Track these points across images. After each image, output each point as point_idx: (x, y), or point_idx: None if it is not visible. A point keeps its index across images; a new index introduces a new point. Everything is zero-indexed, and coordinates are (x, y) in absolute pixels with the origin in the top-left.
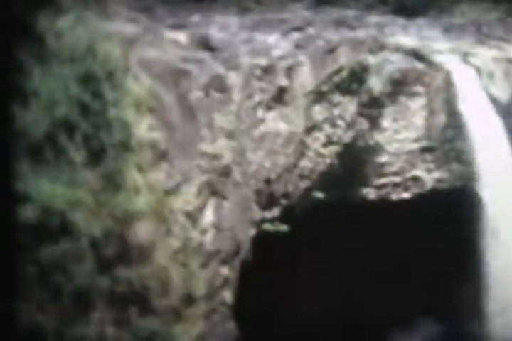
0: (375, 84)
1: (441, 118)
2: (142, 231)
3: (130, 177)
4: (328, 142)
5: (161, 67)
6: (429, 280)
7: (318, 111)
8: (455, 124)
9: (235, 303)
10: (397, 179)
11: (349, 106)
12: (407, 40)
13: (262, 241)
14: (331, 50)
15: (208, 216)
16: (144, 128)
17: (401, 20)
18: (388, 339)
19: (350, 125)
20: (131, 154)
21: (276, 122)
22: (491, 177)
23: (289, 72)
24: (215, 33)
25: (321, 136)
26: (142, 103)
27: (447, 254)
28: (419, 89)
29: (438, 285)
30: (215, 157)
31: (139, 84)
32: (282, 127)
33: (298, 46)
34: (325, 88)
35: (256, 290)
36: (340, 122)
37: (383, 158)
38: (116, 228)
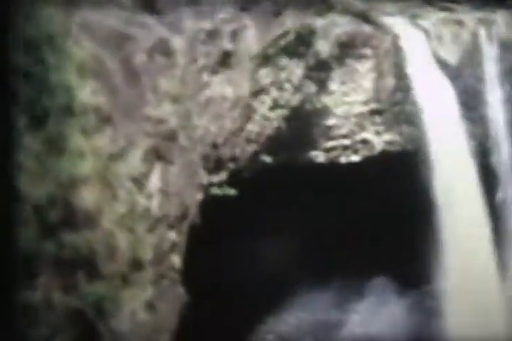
0: (323, 47)
1: (389, 81)
2: (87, 196)
3: (74, 142)
4: (275, 105)
5: (104, 30)
6: (380, 241)
7: (265, 75)
8: (404, 87)
9: (184, 268)
10: (346, 142)
11: (296, 69)
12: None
13: (210, 205)
14: (277, 13)
15: (155, 181)
16: (87, 93)
17: None
18: (341, 301)
19: (297, 88)
20: (74, 118)
21: (221, 86)
22: (439, 140)
23: (234, 35)
24: None
25: (267, 99)
26: (85, 67)
27: (398, 216)
28: (367, 51)
29: (390, 246)
30: (160, 121)
31: (81, 48)
32: (228, 91)
33: (243, 8)
34: (271, 51)
35: (205, 254)
36: (287, 85)
37: (332, 121)
38: (61, 193)
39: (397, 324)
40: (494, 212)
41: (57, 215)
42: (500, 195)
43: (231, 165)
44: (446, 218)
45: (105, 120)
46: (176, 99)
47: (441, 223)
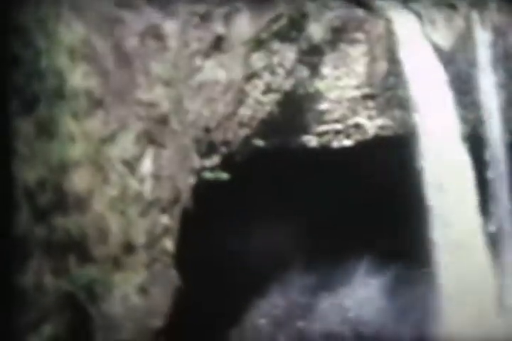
0: (315, 31)
1: (382, 66)
2: (79, 180)
3: (65, 125)
4: (268, 90)
5: (95, 14)
6: (373, 225)
7: (257, 59)
8: (396, 71)
9: (177, 252)
10: (338, 126)
11: (289, 53)
12: None
13: (203, 189)
14: None
15: (147, 164)
16: (78, 76)
17: None
18: (333, 283)
19: (290, 72)
20: (65, 102)
21: (214, 70)
22: (432, 125)
23: (227, 19)
24: None
25: (260, 83)
26: (75, 51)
27: (390, 200)
28: (360, 36)
29: (382, 230)
30: (152, 105)
31: (71, 32)
32: (220, 75)
33: None
34: (264, 35)
35: (198, 238)
36: (279, 70)
37: (324, 106)
38: (52, 177)
39: (388, 308)
40: (485, 194)
41: (48, 199)
42: (491, 177)
43: (223, 149)
44: (436, 201)
45: (96, 104)
46: (167, 83)
47: (431, 207)
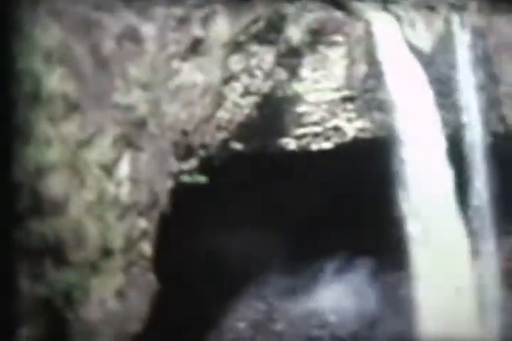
0: (294, 33)
1: (361, 68)
2: (55, 184)
3: (41, 129)
4: (246, 92)
5: (72, 16)
6: (352, 226)
7: (236, 62)
8: (376, 74)
9: (155, 256)
10: (317, 129)
11: (267, 56)
12: None
13: (181, 192)
14: None
15: (124, 168)
16: (54, 80)
17: None
18: (311, 286)
19: (268, 75)
20: (41, 106)
21: (192, 73)
22: (412, 127)
23: (205, 21)
24: None
25: (238, 86)
26: (52, 54)
27: (368, 202)
28: (339, 38)
29: (362, 232)
30: (129, 108)
31: (48, 35)
32: (198, 78)
33: None
34: (242, 38)
35: (176, 242)
36: (258, 72)
37: (303, 108)
38: (28, 181)
39: (368, 311)
40: (464, 195)
41: (24, 203)
42: (470, 180)
43: (201, 153)
44: (415, 203)
45: (73, 107)
46: (145, 86)
47: (411, 208)
